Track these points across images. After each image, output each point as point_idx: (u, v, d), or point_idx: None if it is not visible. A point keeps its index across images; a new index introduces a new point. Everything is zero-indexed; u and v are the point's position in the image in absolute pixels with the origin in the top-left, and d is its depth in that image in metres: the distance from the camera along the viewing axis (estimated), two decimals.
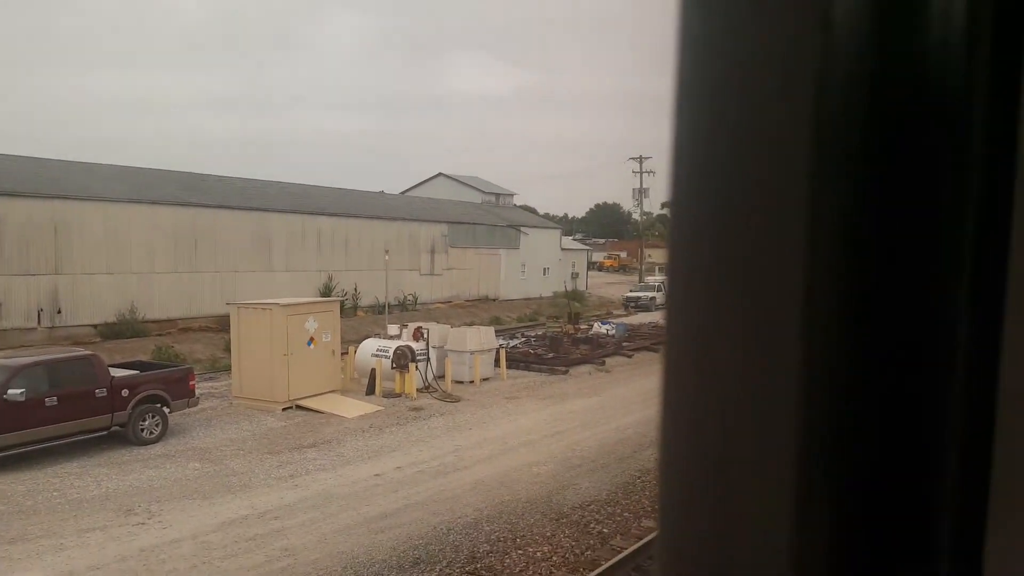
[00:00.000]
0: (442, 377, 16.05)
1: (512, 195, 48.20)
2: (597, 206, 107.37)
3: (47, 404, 10.39)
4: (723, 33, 0.40)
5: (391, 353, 15.23)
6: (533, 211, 57.44)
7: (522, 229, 39.78)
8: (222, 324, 19.51)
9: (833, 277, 0.39)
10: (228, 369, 15.70)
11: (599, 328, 24.92)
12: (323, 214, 28.68)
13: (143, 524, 8.45)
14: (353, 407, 14.12)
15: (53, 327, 20.33)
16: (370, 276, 28.58)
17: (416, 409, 14.25)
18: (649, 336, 24.79)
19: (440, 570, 7.39)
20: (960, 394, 0.40)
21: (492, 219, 38.71)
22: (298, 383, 14.01)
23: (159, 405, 11.82)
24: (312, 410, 13.86)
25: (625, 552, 7.70)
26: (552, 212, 78.80)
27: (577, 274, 44.24)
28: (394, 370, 15.22)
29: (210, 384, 15.93)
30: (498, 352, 17.82)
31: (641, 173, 49.66)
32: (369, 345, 15.95)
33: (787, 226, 0.39)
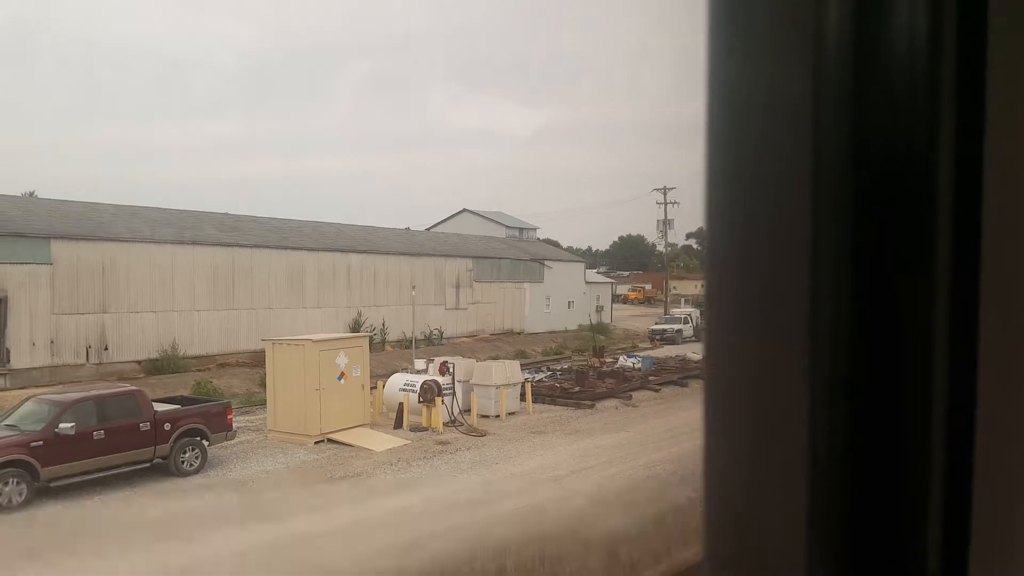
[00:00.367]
0: (468, 411, 16.26)
1: (535, 229, 48.73)
2: (621, 238, 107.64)
3: (95, 437, 10.97)
4: (744, 78, 0.48)
5: (418, 388, 15.54)
6: (557, 244, 57.89)
7: (546, 263, 40.20)
8: (258, 359, 20.20)
9: (834, 289, 0.45)
10: (263, 403, 16.21)
11: (625, 361, 24.85)
12: (353, 251, 29.60)
13: (182, 551, 8.82)
14: (382, 441, 14.42)
15: (100, 363, 21.28)
16: (397, 311, 29.20)
17: (443, 443, 14.46)
18: (676, 370, 24.48)
19: None
20: (942, 399, 0.45)
21: (516, 253, 39.26)
22: (329, 417, 14.40)
23: (199, 438, 12.32)
24: (342, 443, 14.20)
25: None
26: (575, 245, 79.25)
27: (602, 307, 44.22)
28: (421, 404, 15.52)
29: (246, 418, 16.44)
30: (524, 386, 17.98)
31: (665, 204, 49.71)
32: (397, 380, 16.31)
33: (794, 239, 0.46)
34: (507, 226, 46.34)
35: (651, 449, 14.23)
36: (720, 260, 0.51)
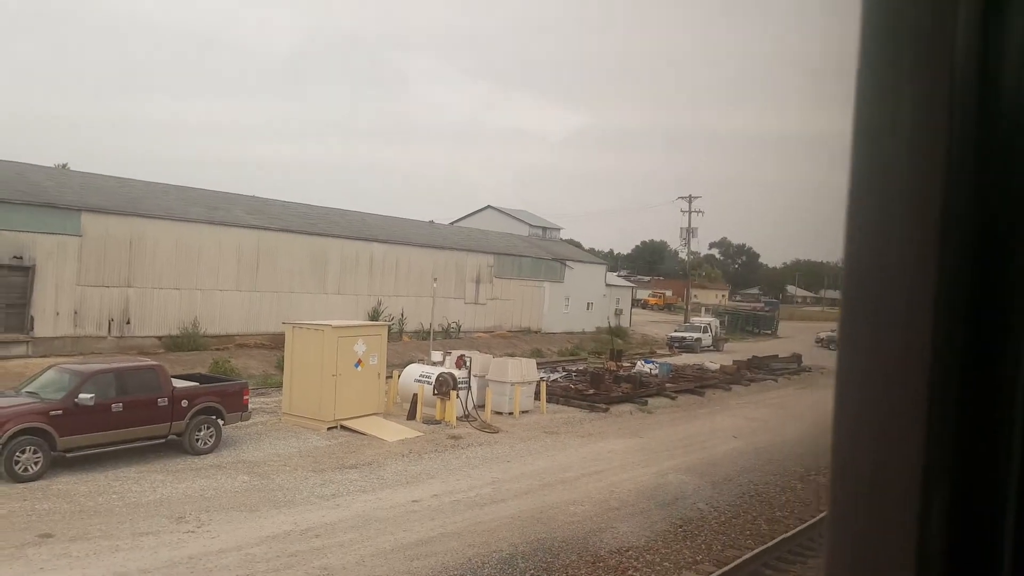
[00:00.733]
0: (482, 407, 16.15)
1: (559, 229, 48.48)
2: (643, 243, 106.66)
3: (113, 409, 11.04)
4: (887, 101, 0.56)
5: (433, 379, 15.47)
6: (579, 246, 57.49)
7: (567, 263, 39.93)
8: (276, 342, 20.31)
9: (963, 280, 0.52)
10: (279, 385, 16.27)
11: (642, 366, 24.55)
12: (376, 240, 29.68)
13: (192, 532, 8.81)
14: (394, 431, 14.37)
15: (122, 336, 21.61)
16: (417, 302, 29.21)
17: (455, 437, 14.36)
18: (694, 379, 24.16)
19: None
20: None
21: (538, 252, 39.05)
22: (344, 404, 14.39)
23: (214, 417, 12.36)
24: (355, 431, 14.18)
25: None
26: (598, 247, 78.69)
27: (621, 310, 43.82)
28: (435, 396, 15.43)
29: (261, 399, 16.52)
30: (539, 385, 17.83)
31: (690, 212, 49.16)
32: (413, 370, 16.25)
33: (920, 235, 0.53)
34: (531, 224, 46.17)
35: (664, 456, 13.98)
36: (856, 268, 0.58)
